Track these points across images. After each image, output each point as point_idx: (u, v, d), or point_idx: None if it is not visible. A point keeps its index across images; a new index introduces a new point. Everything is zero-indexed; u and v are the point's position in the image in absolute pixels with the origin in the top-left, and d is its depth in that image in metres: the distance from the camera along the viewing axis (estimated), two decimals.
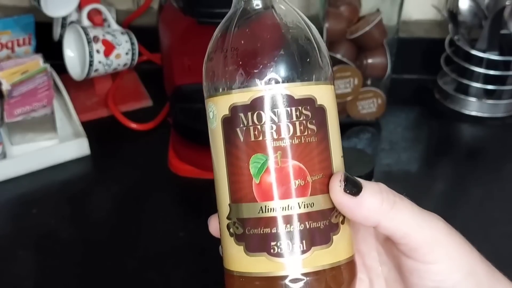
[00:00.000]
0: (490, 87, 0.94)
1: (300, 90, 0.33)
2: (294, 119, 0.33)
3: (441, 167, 0.88)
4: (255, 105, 0.33)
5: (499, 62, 0.92)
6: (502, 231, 0.75)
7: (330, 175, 0.34)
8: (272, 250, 0.33)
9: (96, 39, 0.86)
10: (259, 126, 0.33)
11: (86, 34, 0.86)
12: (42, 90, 0.85)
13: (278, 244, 0.33)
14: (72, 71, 0.90)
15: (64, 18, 0.93)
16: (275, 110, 0.33)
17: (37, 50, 0.96)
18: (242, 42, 0.34)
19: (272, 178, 0.33)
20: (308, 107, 0.33)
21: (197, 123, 0.81)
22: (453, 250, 0.33)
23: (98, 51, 0.86)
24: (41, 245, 0.74)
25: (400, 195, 0.34)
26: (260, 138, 0.33)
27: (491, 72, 0.92)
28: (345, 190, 0.33)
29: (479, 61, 0.92)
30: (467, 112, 0.96)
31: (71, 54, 0.90)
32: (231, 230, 0.34)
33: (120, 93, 0.96)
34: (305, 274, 0.33)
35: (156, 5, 0.95)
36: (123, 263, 0.71)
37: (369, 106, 0.91)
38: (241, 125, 0.33)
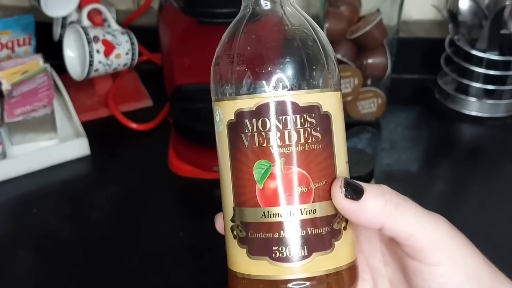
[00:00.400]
0: (490, 87, 0.94)
1: (305, 97, 0.33)
2: (299, 126, 0.33)
3: (441, 167, 0.88)
4: (260, 112, 0.33)
5: (499, 62, 0.92)
6: (503, 231, 0.75)
7: (333, 182, 0.34)
8: (273, 255, 0.34)
9: (96, 39, 0.86)
10: (263, 133, 0.33)
11: (86, 34, 0.86)
12: (42, 90, 0.85)
13: (280, 249, 0.33)
14: (72, 71, 0.90)
15: (64, 18, 0.93)
16: (280, 117, 0.33)
17: (37, 50, 0.96)
18: (249, 48, 0.34)
19: (275, 184, 0.33)
20: (313, 115, 0.33)
21: (197, 123, 0.81)
22: (456, 252, 0.33)
23: (98, 51, 0.86)
24: (41, 245, 0.74)
25: (404, 196, 0.34)
26: (264, 145, 0.33)
27: (491, 72, 0.92)
28: (346, 196, 0.33)
29: (479, 61, 0.92)
30: (467, 112, 0.96)
31: (71, 54, 0.90)
32: (235, 232, 0.35)
33: (120, 93, 0.96)
34: (306, 279, 0.33)
35: (156, 5, 0.95)
36: (123, 263, 0.71)
37: (369, 106, 0.91)
38: (246, 131, 0.33)
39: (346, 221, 0.35)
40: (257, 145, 0.33)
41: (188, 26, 0.79)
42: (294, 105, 0.33)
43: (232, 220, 0.35)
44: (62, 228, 0.76)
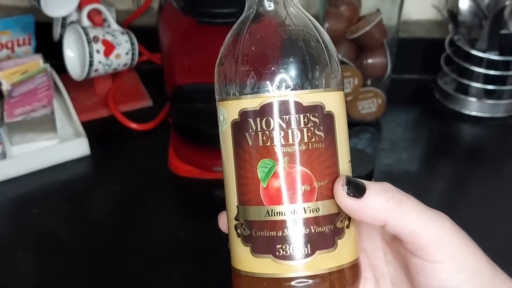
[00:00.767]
0: (490, 87, 0.94)
1: (309, 97, 0.34)
2: (302, 125, 0.33)
3: (441, 167, 0.88)
4: (264, 111, 0.33)
5: (499, 62, 0.92)
6: (503, 231, 0.75)
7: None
8: (277, 253, 0.34)
9: (96, 39, 0.86)
10: (267, 132, 0.33)
11: (86, 34, 0.86)
12: (42, 90, 0.85)
13: (284, 247, 0.34)
14: (72, 71, 0.90)
15: (64, 18, 0.93)
16: (284, 116, 0.33)
17: (37, 50, 0.96)
18: (253, 48, 0.34)
19: (279, 183, 0.33)
20: (316, 114, 0.34)
21: (197, 123, 0.81)
22: (458, 250, 0.33)
23: (98, 51, 0.86)
24: (41, 245, 0.74)
25: (406, 194, 0.34)
26: (268, 144, 0.33)
27: (491, 72, 0.92)
28: (348, 194, 0.33)
29: (479, 61, 0.92)
30: (467, 112, 0.96)
31: (71, 54, 0.90)
32: (239, 231, 0.35)
33: (120, 93, 0.96)
34: (309, 277, 0.34)
35: (156, 5, 0.95)
36: (123, 263, 0.71)
37: (369, 106, 0.91)
38: (250, 130, 0.34)
39: (349, 219, 0.35)
40: (261, 144, 0.34)
41: (188, 26, 0.79)
42: (298, 104, 0.33)
43: (236, 219, 0.35)
44: (62, 228, 0.76)
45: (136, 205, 0.80)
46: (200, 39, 0.78)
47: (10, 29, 0.94)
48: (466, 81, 0.95)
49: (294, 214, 0.33)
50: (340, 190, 0.33)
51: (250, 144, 0.34)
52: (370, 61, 0.89)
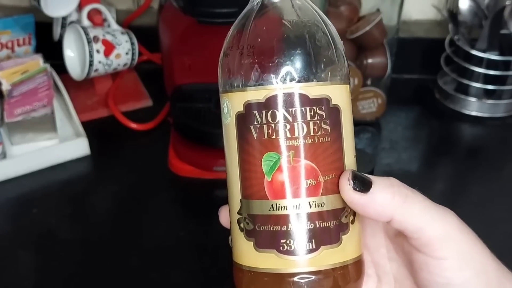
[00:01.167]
0: (490, 87, 0.94)
1: (315, 90, 0.33)
2: (308, 118, 0.33)
3: (441, 167, 0.88)
4: (270, 104, 0.33)
5: (499, 62, 0.92)
6: (503, 231, 0.75)
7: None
8: (281, 248, 0.33)
9: (96, 39, 0.86)
10: (272, 125, 0.33)
11: (86, 34, 0.86)
12: (42, 90, 0.85)
13: (288, 242, 0.33)
14: (72, 71, 0.90)
15: (64, 18, 0.93)
16: (290, 109, 0.33)
17: (37, 50, 0.96)
18: (259, 39, 0.34)
19: (284, 176, 0.33)
20: (323, 107, 0.33)
21: (197, 123, 0.81)
22: (465, 247, 0.33)
23: (98, 51, 0.86)
24: (41, 244, 0.74)
25: (412, 189, 0.34)
26: (274, 137, 0.33)
27: (491, 72, 0.92)
28: (354, 188, 0.33)
29: (479, 61, 0.92)
30: (467, 112, 0.96)
31: (71, 54, 0.90)
32: (242, 225, 0.35)
33: (120, 93, 0.96)
34: (313, 273, 0.33)
35: (156, 5, 0.95)
36: (123, 263, 0.71)
37: (369, 106, 0.91)
38: (255, 123, 0.33)
39: (354, 214, 0.35)
40: (266, 137, 0.33)
41: (188, 26, 0.79)
42: (304, 97, 0.33)
43: (239, 213, 0.35)
44: (62, 228, 0.76)
45: (136, 205, 0.80)
46: (200, 39, 0.78)
47: (10, 29, 0.94)
48: (466, 81, 0.95)
49: (299, 209, 0.33)
50: (346, 185, 0.33)
51: (255, 137, 0.33)
52: (370, 61, 0.89)
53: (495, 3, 0.90)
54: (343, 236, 0.34)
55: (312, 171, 0.33)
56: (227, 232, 0.37)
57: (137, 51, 0.91)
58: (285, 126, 0.33)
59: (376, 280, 0.38)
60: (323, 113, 0.33)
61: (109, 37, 0.88)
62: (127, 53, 0.90)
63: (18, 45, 0.95)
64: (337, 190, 0.33)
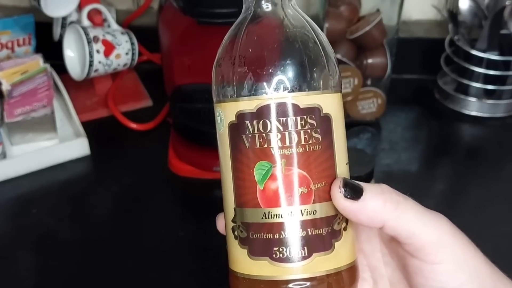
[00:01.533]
0: (490, 87, 0.94)
1: (306, 99, 0.34)
2: (299, 128, 0.33)
3: (441, 167, 0.88)
4: (261, 113, 0.33)
5: (499, 62, 0.92)
6: (502, 231, 0.75)
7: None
8: (274, 255, 0.34)
9: (96, 39, 0.86)
10: (264, 134, 0.33)
11: (86, 34, 0.86)
12: (42, 90, 0.85)
13: (281, 249, 0.34)
14: (72, 71, 0.90)
15: (64, 18, 0.93)
16: (281, 118, 0.33)
17: (37, 50, 0.96)
18: (250, 50, 0.34)
19: (276, 185, 0.33)
20: (313, 116, 0.34)
21: (197, 123, 0.81)
22: (458, 251, 0.33)
23: (98, 51, 0.86)
24: (41, 245, 0.74)
25: (404, 195, 0.34)
26: (265, 146, 0.33)
27: (491, 72, 0.92)
28: (345, 196, 0.33)
29: (479, 61, 0.92)
30: (467, 112, 0.96)
31: (71, 54, 0.90)
32: (236, 233, 0.35)
33: (120, 93, 0.96)
34: (307, 279, 0.34)
35: (156, 5, 0.95)
36: (123, 263, 0.71)
37: (369, 106, 0.91)
38: (247, 132, 0.34)
39: (347, 221, 0.35)
40: (258, 146, 0.34)
41: (188, 26, 0.79)
42: (295, 106, 0.33)
43: (233, 221, 0.35)
44: (61, 228, 0.76)
45: (136, 205, 0.80)
46: (200, 39, 0.78)
47: (10, 29, 0.94)
48: (466, 81, 0.95)
49: (291, 217, 0.33)
50: (337, 193, 0.33)
51: (247, 146, 0.34)
52: (370, 61, 0.89)
53: (495, 3, 0.90)
54: (336, 243, 0.34)
55: (303, 179, 0.33)
56: (225, 236, 0.37)
57: (137, 51, 0.91)
58: (276, 136, 0.33)
59: (372, 284, 0.39)
60: (314, 122, 0.34)
61: (109, 37, 0.88)
62: (127, 53, 0.90)
63: (18, 45, 0.95)
64: (329, 198, 0.34)
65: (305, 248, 0.34)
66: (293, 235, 0.33)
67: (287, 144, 0.33)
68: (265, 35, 0.35)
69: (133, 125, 0.91)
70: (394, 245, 0.36)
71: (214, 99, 0.36)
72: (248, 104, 0.34)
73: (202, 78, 0.80)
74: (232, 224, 0.35)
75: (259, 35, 0.35)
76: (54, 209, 0.79)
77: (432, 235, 0.33)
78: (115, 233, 0.76)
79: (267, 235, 0.34)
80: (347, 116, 0.91)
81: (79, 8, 0.90)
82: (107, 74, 0.93)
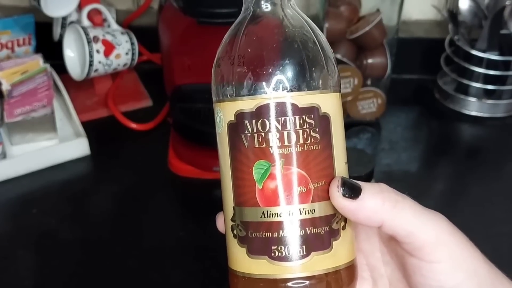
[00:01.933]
0: (490, 87, 0.94)
1: (305, 99, 0.34)
2: (298, 127, 0.33)
3: (441, 167, 0.88)
4: (260, 113, 0.33)
5: (499, 62, 0.92)
6: (502, 231, 0.75)
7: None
8: (273, 254, 0.34)
9: (96, 39, 0.86)
10: (263, 134, 0.33)
11: (86, 34, 0.86)
12: (42, 90, 0.85)
13: (279, 248, 0.34)
14: (72, 71, 0.90)
15: (64, 18, 0.93)
16: (279, 118, 0.33)
17: (37, 50, 0.96)
18: (249, 50, 0.34)
19: (274, 184, 0.34)
20: (312, 116, 0.34)
21: (197, 123, 0.81)
22: (456, 250, 0.33)
23: (98, 51, 0.87)
24: (41, 245, 0.74)
25: (402, 194, 0.34)
26: (264, 145, 0.34)
27: (491, 72, 0.92)
28: (344, 195, 0.33)
29: (479, 61, 0.92)
30: (467, 112, 0.96)
31: (71, 54, 0.90)
32: (235, 232, 0.35)
33: (120, 93, 0.96)
34: (305, 278, 0.34)
35: (156, 5, 0.95)
36: (123, 263, 0.71)
37: (369, 106, 0.91)
38: (246, 132, 0.34)
39: (345, 220, 0.35)
40: (256, 145, 0.34)
41: (188, 26, 0.79)
42: (294, 106, 0.33)
43: (232, 220, 0.35)
44: (62, 228, 0.76)
45: (136, 205, 0.80)
46: (200, 39, 0.78)
47: (10, 29, 0.94)
48: (466, 81, 0.95)
49: (290, 216, 0.34)
50: (336, 192, 0.33)
51: (246, 146, 0.34)
52: (370, 61, 0.90)
53: (495, 3, 0.90)
54: (334, 242, 0.34)
55: (302, 178, 0.34)
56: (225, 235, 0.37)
57: (137, 51, 0.91)
58: (275, 135, 0.33)
59: (372, 283, 0.39)
60: (313, 122, 0.34)
61: (109, 37, 0.88)
62: (127, 53, 0.90)
63: (18, 45, 0.95)
64: (327, 197, 0.34)
65: (304, 247, 0.34)
66: (292, 234, 0.34)
67: (286, 143, 0.33)
68: (264, 35, 0.35)
69: (133, 125, 0.91)
70: (393, 244, 0.36)
71: (214, 99, 0.36)
72: (247, 104, 0.34)
73: (202, 78, 0.80)
74: (231, 223, 0.35)
75: (258, 35, 0.35)
76: (54, 209, 0.79)
77: (430, 234, 0.33)
78: (115, 233, 0.76)
79: (266, 234, 0.34)
80: (347, 116, 0.91)
81: (79, 8, 0.90)
82: (107, 74, 0.93)
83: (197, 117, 0.81)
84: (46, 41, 0.95)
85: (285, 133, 0.33)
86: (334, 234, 0.34)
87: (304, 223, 0.34)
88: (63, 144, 0.85)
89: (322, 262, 0.34)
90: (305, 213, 0.34)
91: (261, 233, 0.34)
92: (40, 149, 0.84)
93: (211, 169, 0.81)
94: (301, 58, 0.34)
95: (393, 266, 0.37)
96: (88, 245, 0.74)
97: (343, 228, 0.35)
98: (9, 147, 0.85)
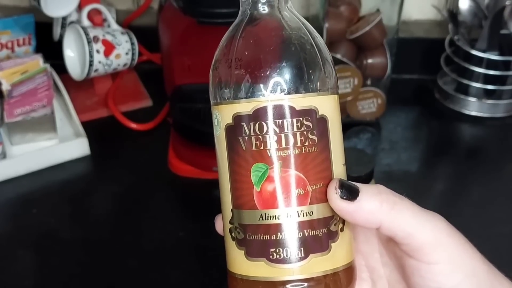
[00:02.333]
0: (490, 87, 0.94)
1: (302, 101, 0.34)
2: (295, 129, 0.33)
3: (441, 167, 0.88)
4: (257, 116, 0.33)
5: (499, 62, 0.92)
6: (502, 231, 0.75)
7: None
8: (271, 256, 0.34)
9: (96, 39, 0.86)
10: (260, 136, 0.33)
11: (86, 34, 0.86)
12: (42, 90, 0.85)
13: (277, 250, 0.34)
14: (72, 71, 0.90)
15: (64, 18, 0.93)
16: (277, 121, 0.33)
17: (37, 50, 0.96)
18: (246, 52, 0.34)
19: (272, 186, 0.34)
20: (309, 118, 0.34)
21: (197, 123, 0.81)
22: (455, 250, 0.33)
23: (98, 51, 0.87)
24: (41, 244, 0.74)
25: (400, 196, 0.34)
26: (262, 148, 0.34)
27: (491, 72, 0.92)
28: (341, 197, 0.33)
29: (479, 61, 0.92)
30: (467, 112, 0.96)
31: (71, 54, 0.90)
32: (233, 234, 0.35)
33: (120, 93, 0.96)
34: (304, 280, 0.34)
35: (156, 5, 0.95)
36: (123, 263, 0.71)
37: (369, 106, 0.91)
38: (244, 134, 0.34)
39: (343, 222, 0.35)
40: (254, 148, 0.34)
41: (188, 26, 0.79)
42: (291, 108, 0.33)
43: (230, 222, 0.35)
44: (62, 228, 0.76)
45: (136, 205, 0.80)
46: (200, 39, 0.78)
47: (10, 29, 0.94)
48: (466, 81, 0.94)
49: (288, 218, 0.33)
50: (334, 194, 0.33)
51: (244, 148, 0.34)
52: (370, 61, 0.89)
53: (495, 3, 0.90)
54: (332, 244, 0.34)
55: (300, 180, 0.34)
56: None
57: (137, 51, 0.91)
58: (273, 137, 0.33)
59: (371, 284, 0.39)
60: (310, 124, 0.34)
61: (109, 37, 0.88)
62: (127, 53, 0.90)
63: (18, 45, 0.95)
64: (325, 199, 0.34)
65: (302, 249, 0.34)
66: (290, 236, 0.34)
67: (284, 146, 0.33)
68: (262, 38, 0.35)
69: (133, 125, 0.91)
70: (392, 245, 0.36)
71: (212, 102, 0.37)
72: (244, 107, 0.34)
73: (202, 78, 0.80)
74: (230, 226, 0.35)
75: (255, 38, 0.35)
76: (54, 209, 0.79)
77: (429, 235, 0.33)
78: (115, 233, 0.76)
79: (264, 236, 0.34)
80: (347, 116, 0.91)
81: (79, 8, 0.90)
82: (107, 74, 0.93)
83: (197, 117, 0.81)
84: (46, 41, 0.95)
85: (283, 135, 0.33)
86: (332, 236, 0.34)
87: (302, 225, 0.34)
88: (63, 144, 0.85)
89: (321, 264, 0.34)
90: (303, 215, 0.34)
91: (259, 235, 0.34)
92: (40, 149, 0.84)
93: (211, 169, 0.81)
94: (298, 60, 0.34)
95: (392, 267, 0.37)
96: (88, 245, 0.74)
97: (341, 230, 0.35)
98: (9, 147, 0.85)
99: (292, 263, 0.34)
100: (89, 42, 0.85)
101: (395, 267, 0.37)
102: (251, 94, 0.34)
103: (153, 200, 0.81)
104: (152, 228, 0.76)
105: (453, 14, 0.94)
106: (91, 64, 0.87)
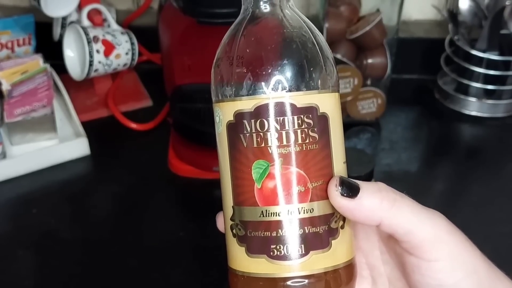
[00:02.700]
0: (490, 87, 0.94)
1: (303, 99, 0.34)
2: (296, 127, 0.34)
3: (441, 167, 0.88)
4: (259, 113, 0.34)
5: (499, 62, 0.92)
6: (502, 231, 0.75)
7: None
8: (271, 253, 0.34)
9: (96, 39, 0.86)
10: (261, 133, 0.34)
11: (86, 34, 0.86)
12: (42, 90, 0.85)
13: (278, 247, 0.34)
14: (72, 71, 0.90)
15: (64, 18, 0.93)
16: (278, 118, 0.34)
17: (37, 50, 0.96)
18: (248, 50, 0.34)
19: (273, 183, 0.34)
20: (310, 116, 0.34)
21: (197, 123, 0.81)
22: (455, 248, 0.33)
23: (98, 51, 0.87)
24: (41, 244, 0.74)
25: (401, 193, 0.34)
26: (263, 145, 0.34)
27: (491, 72, 0.92)
28: (342, 194, 0.33)
29: (479, 61, 0.92)
30: (467, 112, 0.96)
31: (71, 54, 0.90)
32: (234, 231, 0.35)
33: (120, 93, 0.96)
34: (304, 277, 0.34)
35: (156, 5, 0.95)
36: (123, 263, 0.71)
37: (369, 106, 0.91)
38: (245, 132, 0.34)
39: (344, 219, 0.35)
40: (255, 145, 0.34)
41: (188, 26, 0.79)
42: (292, 106, 0.34)
43: (231, 219, 0.36)
44: (62, 228, 0.76)
45: (136, 205, 0.80)
46: (200, 39, 0.78)
47: (10, 29, 0.94)
48: (466, 81, 0.95)
49: (289, 215, 0.34)
50: (334, 191, 0.34)
51: (245, 145, 0.34)
52: (370, 61, 0.90)
53: (495, 3, 0.90)
54: (333, 241, 0.35)
55: (300, 178, 0.34)
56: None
57: (137, 51, 0.91)
58: (274, 135, 0.34)
59: (371, 282, 0.39)
60: (311, 121, 0.34)
61: (109, 37, 0.88)
62: (127, 53, 0.90)
63: (18, 45, 0.95)
64: (326, 196, 0.34)
65: (303, 246, 0.34)
66: (291, 233, 0.34)
67: (285, 143, 0.34)
68: (263, 36, 0.35)
69: (133, 125, 0.91)
70: (392, 243, 0.36)
71: (213, 99, 0.37)
72: (246, 104, 0.34)
73: (202, 78, 0.80)
74: (231, 223, 0.36)
75: (257, 36, 0.35)
76: (54, 209, 0.79)
77: (429, 232, 0.33)
78: (115, 233, 0.76)
79: (265, 233, 0.34)
80: (347, 116, 0.91)
81: (79, 8, 0.90)
82: (107, 74, 0.93)
83: (197, 117, 0.81)
84: (46, 41, 0.96)
85: (284, 133, 0.34)
86: (333, 233, 0.35)
87: (303, 222, 0.34)
88: (63, 144, 0.85)
89: (321, 261, 0.34)
90: (304, 212, 0.34)
91: (260, 232, 0.34)
92: (40, 149, 0.84)
93: (211, 169, 0.81)
94: (299, 58, 0.34)
95: (392, 264, 0.37)
96: (88, 245, 0.74)
97: (342, 227, 0.35)
98: (9, 147, 0.85)
99: (293, 260, 0.34)
100: (89, 42, 0.85)
101: (395, 265, 0.37)
102: (252, 91, 0.34)
103: (153, 200, 0.81)
104: (152, 228, 0.76)
105: (453, 14, 0.94)
106: (91, 64, 0.87)
